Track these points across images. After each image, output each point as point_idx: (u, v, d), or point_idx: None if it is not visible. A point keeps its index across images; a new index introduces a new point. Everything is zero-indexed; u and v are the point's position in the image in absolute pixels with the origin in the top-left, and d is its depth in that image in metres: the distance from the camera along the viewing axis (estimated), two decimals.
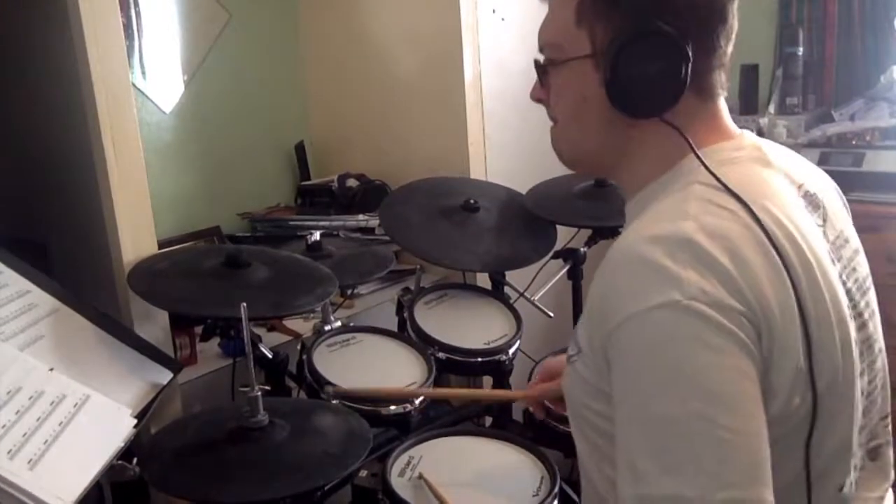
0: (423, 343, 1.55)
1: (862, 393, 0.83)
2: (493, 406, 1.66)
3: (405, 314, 1.62)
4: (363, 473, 1.28)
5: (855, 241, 0.90)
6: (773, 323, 0.73)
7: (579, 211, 1.80)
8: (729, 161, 0.83)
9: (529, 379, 1.54)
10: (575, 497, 1.41)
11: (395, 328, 1.65)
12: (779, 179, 0.84)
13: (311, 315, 1.70)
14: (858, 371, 0.82)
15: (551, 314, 1.74)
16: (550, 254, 1.79)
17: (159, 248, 1.51)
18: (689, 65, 0.80)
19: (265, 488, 1.07)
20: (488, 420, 1.72)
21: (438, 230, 1.71)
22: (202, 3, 2.16)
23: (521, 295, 1.79)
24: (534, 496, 1.21)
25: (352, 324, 1.62)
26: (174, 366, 1.36)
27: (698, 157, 0.82)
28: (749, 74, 2.73)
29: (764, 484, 0.69)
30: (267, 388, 1.39)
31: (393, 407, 1.38)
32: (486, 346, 1.59)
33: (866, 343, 0.84)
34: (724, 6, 0.83)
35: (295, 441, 1.16)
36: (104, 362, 1.24)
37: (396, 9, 2.23)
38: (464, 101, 2.12)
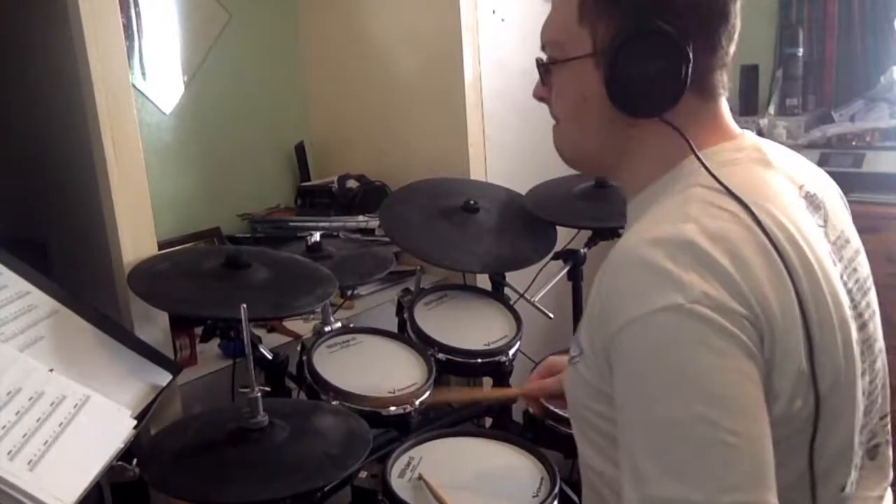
0: (423, 344, 1.55)
1: (863, 393, 0.83)
2: (493, 407, 1.66)
3: (405, 315, 1.62)
4: (363, 474, 1.28)
5: (856, 242, 0.90)
6: (775, 325, 0.73)
7: (579, 212, 1.80)
8: (730, 162, 0.83)
9: None
10: (575, 498, 1.41)
11: (395, 329, 1.64)
12: (780, 180, 0.84)
13: (311, 316, 1.70)
14: (860, 371, 0.82)
15: (551, 315, 1.74)
16: (550, 255, 1.79)
17: (159, 249, 1.51)
18: (690, 65, 0.80)
19: (265, 489, 1.07)
20: (488, 421, 1.72)
21: (438, 231, 1.71)
22: (202, 3, 2.16)
23: (521, 296, 1.79)
24: (534, 497, 1.21)
25: (352, 325, 1.61)
26: (174, 367, 1.36)
27: (699, 158, 0.82)
28: (749, 75, 2.73)
29: (768, 487, 0.70)
30: (267, 389, 1.38)
31: (393, 408, 1.38)
32: (486, 347, 1.59)
33: (867, 343, 0.84)
34: (725, 5, 0.83)
35: (295, 442, 1.16)
36: (104, 363, 1.24)
37: (396, 9, 2.23)
38: (464, 102, 2.12)
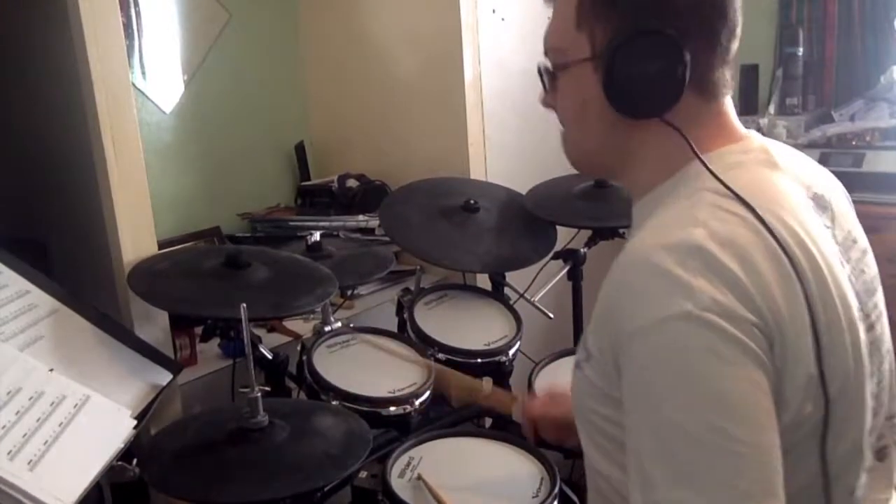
0: (422, 344, 1.55)
1: (871, 395, 0.83)
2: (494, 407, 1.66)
3: (405, 315, 1.62)
4: (363, 474, 1.27)
5: (863, 242, 0.90)
6: (785, 331, 0.72)
7: (579, 211, 1.80)
8: (736, 165, 0.83)
9: (529, 383, 1.54)
10: (575, 498, 1.41)
11: (395, 329, 1.64)
12: (787, 182, 0.84)
13: (311, 316, 1.70)
14: (868, 373, 0.81)
15: (551, 315, 1.74)
16: (550, 254, 1.79)
17: (159, 249, 1.51)
18: (687, 63, 0.80)
19: (265, 489, 1.07)
20: (488, 421, 1.72)
21: (438, 231, 1.71)
22: (202, 3, 2.16)
23: (521, 296, 1.79)
24: (534, 497, 1.21)
25: (352, 324, 1.61)
26: (174, 367, 1.36)
27: (702, 161, 0.82)
28: (749, 74, 2.73)
29: (776, 496, 0.69)
30: (267, 388, 1.38)
31: (393, 408, 1.38)
32: (486, 347, 1.59)
33: (874, 345, 0.84)
34: (724, 2, 0.83)
35: (295, 442, 1.16)
36: (104, 363, 1.24)
37: (396, 9, 2.23)
38: (464, 102, 2.12)
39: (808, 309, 0.74)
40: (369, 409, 1.35)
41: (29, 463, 0.95)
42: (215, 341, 1.45)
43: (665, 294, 0.71)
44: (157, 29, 2.05)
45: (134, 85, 1.91)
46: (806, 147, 2.45)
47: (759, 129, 2.48)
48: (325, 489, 1.22)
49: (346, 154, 2.42)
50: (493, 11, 2.22)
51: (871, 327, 0.84)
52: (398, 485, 1.22)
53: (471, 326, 1.65)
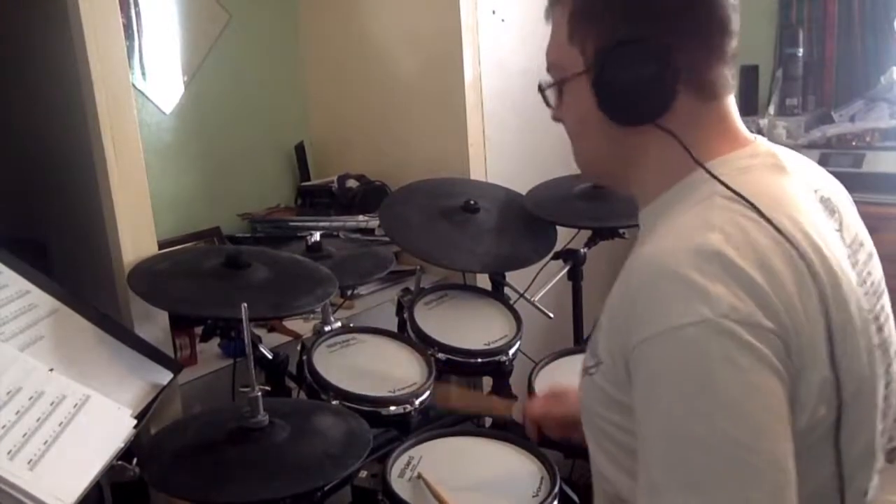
0: (423, 344, 1.55)
1: (881, 397, 0.83)
2: None
3: (405, 315, 1.62)
4: (363, 474, 1.28)
5: (869, 245, 0.90)
6: (802, 335, 0.72)
7: (579, 212, 1.80)
8: (746, 169, 0.82)
9: (529, 383, 1.54)
10: (575, 497, 1.41)
11: (395, 329, 1.64)
12: (797, 186, 0.83)
13: (312, 316, 1.70)
14: (880, 375, 0.81)
15: (551, 315, 1.74)
16: (550, 254, 1.79)
17: (159, 249, 1.51)
18: (674, 67, 0.80)
19: (265, 488, 1.07)
20: (488, 421, 1.72)
21: (438, 231, 1.71)
22: (202, 3, 2.16)
23: (521, 296, 1.79)
24: (534, 497, 1.21)
25: (352, 324, 1.61)
26: (174, 366, 1.36)
27: (702, 165, 0.82)
28: (749, 75, 2.74)
29: None
30: (267, 388, 1.39)
31: (393, 408, 1.38)
32: (486, 347, 1.59)
33: (882, 347, 0.83)
34: (712, 0, 0.82)
35: (295, 441, 1.16)
36: (104, 363, 1.24)
37: (396, 10, 2.23)
38: (464, 102, 2.12)
39: (824, 311, 0.74)
40: (369, 409, 1.35)
41: (29, 462, 0.95)
42: (215, 341, 1.45)
43: (682, 300, 0.70)
44: (157, 29, 2.05)
45: (134, 85, 1.91)
46: (806, 147, 2.45)
47: (758, 130, 2.49)
48: (325, 489, 1.22)
49: (346, 154, 2.43)
50: (493, 12, 2.22)
51: (879, 329, 0.83)
52: (398, 484, 1.22)
53: (471, 326, 1.65)
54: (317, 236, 1.69)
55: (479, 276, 1.97)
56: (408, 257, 1.94)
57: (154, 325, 1.45)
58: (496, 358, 1.59)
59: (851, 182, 0.95)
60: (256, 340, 1.43)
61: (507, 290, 1.82)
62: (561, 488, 1.25)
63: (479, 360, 1.58)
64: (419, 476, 1.22)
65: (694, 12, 0.81)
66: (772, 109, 2.71)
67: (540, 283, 1.81)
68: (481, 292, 1.80)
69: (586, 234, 1.82)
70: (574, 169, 0.97)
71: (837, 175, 0.95)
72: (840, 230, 0.85)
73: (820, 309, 0.74)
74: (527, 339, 1.67)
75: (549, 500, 1.20)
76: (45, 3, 1.38)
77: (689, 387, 0.70)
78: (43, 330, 1.18)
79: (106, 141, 1.38)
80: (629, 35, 0.80)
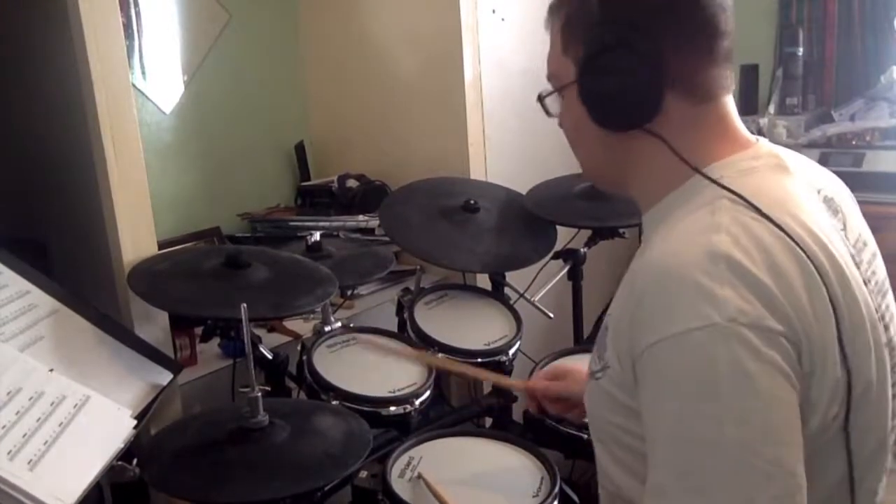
0: (423, 344, 1.55)
1: (891, 396, 0.83)
2: (493, 407, 1.66)
3: (405, 315, 1.62)
4: (363, 474, 1.27)
5: (872, 244, 0.90)
6: (812, 336, 0.72)
7: (579, 211, 1.80)
8: (749, 171, 0.82)
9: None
10: (575, 497, 1.41)
11: (395, 329, 1.64)
12: (800, 187, 0.83)
13: (312, 316, 1.70)
14: (887, 374, 0.81)
15: (551, 315, 1.74)
16: (550, 254, 1.79)
17: (159, 249, 1.51)
18: (655, 70, 0.80)
19: (265, 489, 1.07)
20: (488, 421, 1.72)
21: (438, 231, 1.71)
22: (202, 3, 2.16)
23: (521, 296, 1.79)
24: (534, 497, 1.21)
25: (352, 324, 1.61)
26: (174, 366, 1.36)
27: (695, 169, 0.82)
28: (749, 74, 2.73)
29: None
30: (267, 388, 1.39)
31: (393, 408, 1.38)
32: (487, 347, 1.59)
33: (890, 345, 0.83)
34: (697, 2, 0.82)
35: (295, 442, 1.16)
36: (104, 363, 1.24)
37: (396, 9, 2.23)
38: (464, 102, 2.12)
39: (834, 311, 0.73)
40: (369, 409, 1.35)
41: (29, 463, 0.95)
42: (215, 341, 1.45)
43: (690, 303, 0.70)
44: (157, 29, 2.05)
45: (134, 85, 1.91)
46: (806, 147, 2.46)
47: (759, 129, 2.49)
48: (325, 489, 1.22)
49: (346, 154, 2.42)
50: (493, 12, 2.22)
51: (886, 328, 0.83)
52: (398, 484, 1.22)
53: (471, 326, 1.65)
54: (317, 236, 1.69)
55: (479, 276, 1.97)
56: (408, 257, 1.94)
57: (154, 325, 1.45)
58: (496, 358, 1.58)
59: (851, 181, 0.95)
60: (256, 340, 1.43)
61: (507, 289, 1.82)
62: (561, 488, 1.25)
63: (479, 360, 1.57)
64: (419, 476, 1.22)
65: (674, 15, 0.81)
66: (772, 109, 2.71)
67: (540, 282, 1.81)
68: (481, 292, 1.80)
69: (586, 233, 1.82)
70: (574, 168, 0.98)
71: (838, 174, 0.95)
72: (844, 230, 0.85)
73: (829, 309, 0.73)
74: (527, 338, 1.67)
75: (549, 500, 1.20)
76: (45, 3, 1.38)
77: (696, 391, 0.69)
78: (43, 330, 1.18)
79: (106, 141, 1.38)
80: (610, 41, 0.81)
